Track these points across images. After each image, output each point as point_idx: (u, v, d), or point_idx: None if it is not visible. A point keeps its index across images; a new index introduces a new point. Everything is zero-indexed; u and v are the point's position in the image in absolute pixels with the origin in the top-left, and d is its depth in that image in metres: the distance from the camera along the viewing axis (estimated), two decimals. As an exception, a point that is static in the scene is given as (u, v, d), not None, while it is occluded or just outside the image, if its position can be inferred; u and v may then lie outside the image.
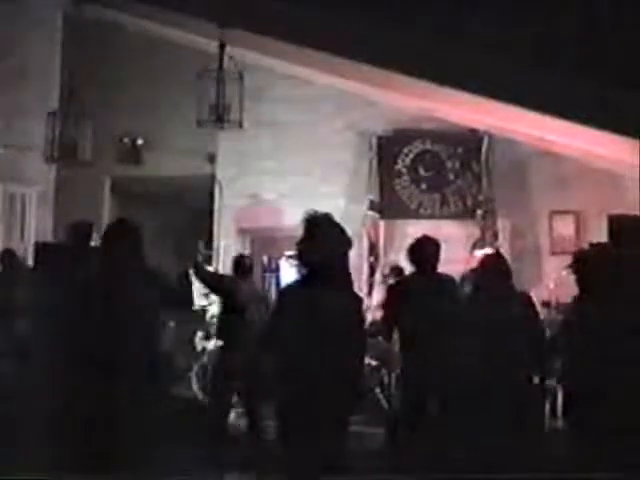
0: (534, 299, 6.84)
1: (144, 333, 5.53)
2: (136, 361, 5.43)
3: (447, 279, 7.10)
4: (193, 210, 12.55)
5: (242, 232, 12.04)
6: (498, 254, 7.60)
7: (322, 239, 4.61)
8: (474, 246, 10.41)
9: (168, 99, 11.69)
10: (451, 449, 6.16)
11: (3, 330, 7.95)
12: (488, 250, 9.84)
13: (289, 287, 4.98)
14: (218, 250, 11.62)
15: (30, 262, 9.31)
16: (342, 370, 4.54)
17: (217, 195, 11.99)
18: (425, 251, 7.00)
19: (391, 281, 9.11)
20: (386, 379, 9.35)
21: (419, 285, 6.89)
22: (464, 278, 9.25)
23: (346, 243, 4.70)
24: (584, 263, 6.04)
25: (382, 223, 11.37)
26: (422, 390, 6.76)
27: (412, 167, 11.45)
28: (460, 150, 11.30)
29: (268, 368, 5.33)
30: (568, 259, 6.38)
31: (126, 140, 12.27)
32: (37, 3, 11.21)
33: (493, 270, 6.56)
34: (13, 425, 6.29)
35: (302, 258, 4.68)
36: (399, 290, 7.25)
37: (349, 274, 4.71)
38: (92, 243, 7.79)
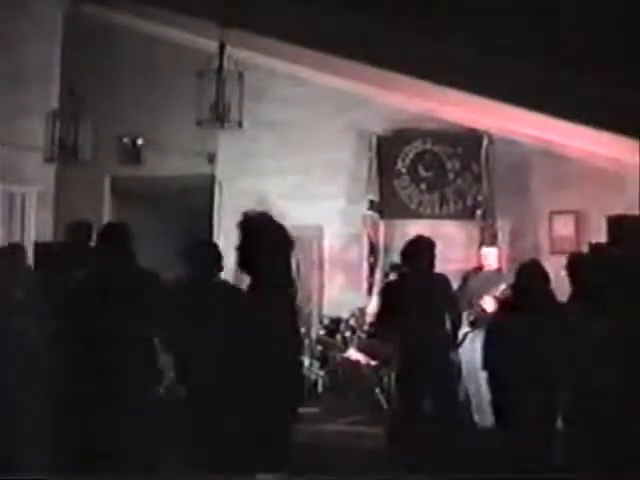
0: None
1: None
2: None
3: (440, 278, 7.10)
4: (193, 210, 12.54)
5: (242, 232, 12.01)
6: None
7: (262, 241, 4.12)
8: (481, 244, 10.35)
9: (168, 99, 11.67)
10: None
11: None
12: (493, 249, 9.82)
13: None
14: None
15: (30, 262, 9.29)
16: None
17: (217, 195, 11.98)
18: (420, 252, 6.97)
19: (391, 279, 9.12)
20: (386, 379, 9.37)
21: (413, 284, 6.88)
22: (466, 277, 9.27)
23: (287, 244, 4.23)
24: (578, 264, 5.98)
25: (382, 223, 11.37)
26: (420, 389, 6.77)
27: (412, 167, 11.44)
28: (460, 150, 11.29)
29: None
30: (568, 259, 6.36)
31: (126, 140, 12.24)
32: (37, 3, 11.20)
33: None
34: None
35: (241, 263, 4.20)
36: (393, 290, 7.26)
37: (291, 277, 4.28)
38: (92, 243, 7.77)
